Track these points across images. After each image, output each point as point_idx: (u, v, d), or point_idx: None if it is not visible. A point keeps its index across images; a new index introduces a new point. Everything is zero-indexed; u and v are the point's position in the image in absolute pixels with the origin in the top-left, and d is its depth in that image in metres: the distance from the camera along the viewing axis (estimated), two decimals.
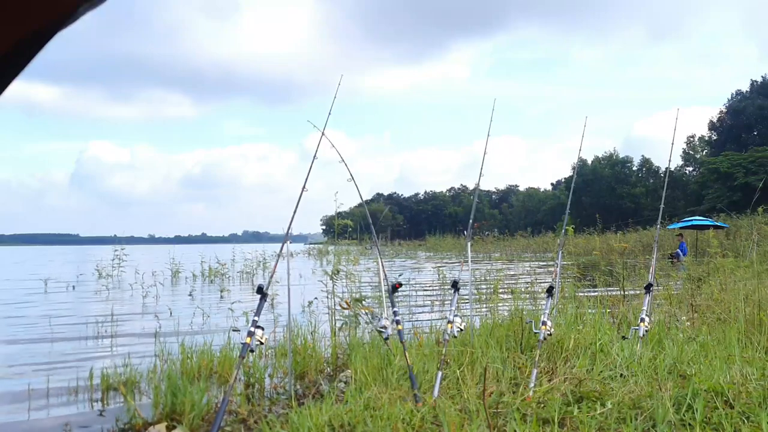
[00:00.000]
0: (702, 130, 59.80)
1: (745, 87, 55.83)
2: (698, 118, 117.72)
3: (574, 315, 5.34)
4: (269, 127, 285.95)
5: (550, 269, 16.01)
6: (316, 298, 7.33)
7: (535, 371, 3.71)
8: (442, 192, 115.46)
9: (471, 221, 5.11)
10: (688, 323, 5.81)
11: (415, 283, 11.38)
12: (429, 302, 9.81)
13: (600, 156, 61.48)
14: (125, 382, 4.51)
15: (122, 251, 14.99)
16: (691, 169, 57.70)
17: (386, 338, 3.97)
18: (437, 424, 2.95)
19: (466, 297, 6.75)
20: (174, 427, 3.54)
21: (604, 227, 31.37)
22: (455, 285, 4.22)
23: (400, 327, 3.90)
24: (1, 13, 0.50)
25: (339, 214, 6.39)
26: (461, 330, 4.01)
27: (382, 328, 3.97)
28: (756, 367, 3.73)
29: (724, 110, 54.19)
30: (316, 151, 4.29)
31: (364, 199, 4.96)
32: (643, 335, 4.49)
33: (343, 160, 4.41)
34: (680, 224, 21.02)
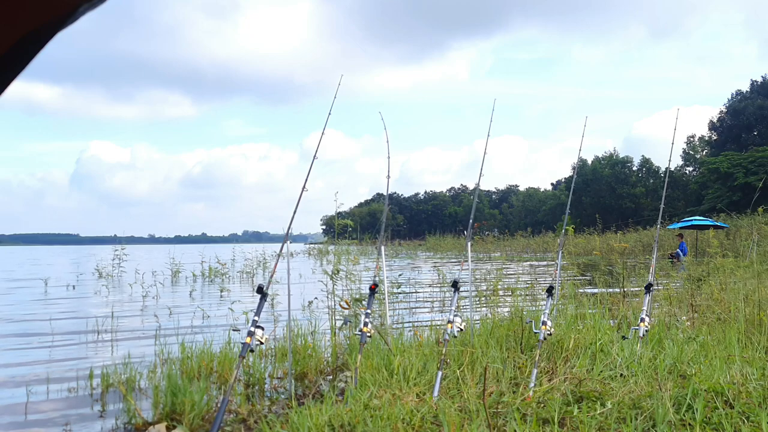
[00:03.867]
0: (702, 130, 59.75)
1: (745, 87, 55.83)
2: (698, 118, 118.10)
3: (574, 315, 5.33)
4: (269, 126, 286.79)
5: (550, 269, 16.01)
6: (316, 298, 7.33)
7: (535, 371, 3.71)
8: (442, 192, 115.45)
9: (471, 221, 5.11)
10: (688, 323, 5.81)
11: (415, 283, 11.39)
12: (429, 302, 9.81)
13: (600, 156, 61.44)
14: (125, 381, 4.51)
15: (122, 251, 14.99)
16: (691, 169, 57.63)
17: (363, 342, 3.98)
18: (437, 424, 2.95)
19: (466, 297, 6.75)
20: (174, 427, 3.54)
21: (604, 227, 31.38)
22: (455, 285, 4.22)
23: (365, 329, 3.93)
24: (1, 13, 0.50)
25: (339, 214, 6.39)
26: (461, 330, 4.01)
27: (358, 332, 4.03)
28: (756, 367, 3.73)
29: (724, 110, 54.12)
30: (317, 151, 4.29)
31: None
32: (643, 335, 4.49)
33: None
34: (680, 224, 21.00)
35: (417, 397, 3.45)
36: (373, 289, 4.25)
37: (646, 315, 4.60)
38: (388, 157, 4.93)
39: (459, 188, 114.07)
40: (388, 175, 4.91)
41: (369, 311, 4.12)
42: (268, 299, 3.73)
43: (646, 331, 4.54)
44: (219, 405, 3.41)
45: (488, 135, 5.24)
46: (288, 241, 4.06)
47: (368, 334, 3.99)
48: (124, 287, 13.93)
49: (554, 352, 4.33)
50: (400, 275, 8.74)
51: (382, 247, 4.87)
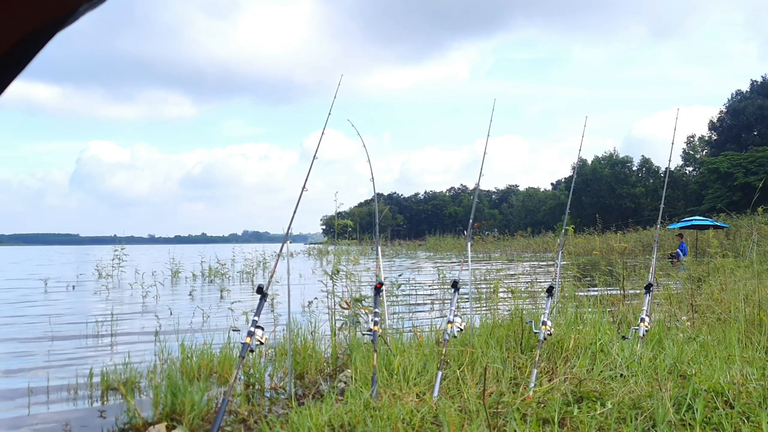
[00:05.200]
0: (702, 130, 59.74)
1: (745, 87, 55.80)
2: (698, 118, 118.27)
3: (574, 315, 5.34)
4: (270, 126, 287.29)
5: (550, 269, 16.01)
6: (316, 298, 7.33)
7: (535, 371, 3.71)
8: (442, 192, 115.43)
9: (471, 221, 5.12)
10: (688, 323, 5.81)
11: (415, 283, 11.39)
12: (429, 302, 9.80)
13: (600, 156, 61.42)
14: (125, 381, 4.50)
15: (122, 251, 14.98)
16: (691, 169, 57.61)
17: (375, 341, 3.97)
18: (437, 424, 2.95)
19: (466, 297, 6.75)
20: (174, 427, 3.54)
21: (604, 227, 31.40)
22: (455, 285, 4.22)
23: (376, 328, 3.92)
24: (1, 13, 0.50)
25: (339, 214, 6.39)
26: (461, 330, 4.01)
27: (368, 331, 4.02)
28: (756, 367, 3.73)
29: (724, 110, 54.10)
30: (316, 151, 4.30)
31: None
32: (643, 335, 4.49)
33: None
34: (680, 224, 21.01)
35: (417, 397, 3.45)
36: (379, 288, 4.23)
37: (646, 315, 4.60)
38: (368, 161, 5.09)
39: (459, 188, 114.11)
40: (372, 178, 5.07)
41: (377, 310, 4.09)
42: (268, 299, 3.73)
43: (646, 331, 4.54)
44: (219, 405, 3.41)
45: (488, 135, 5.25)
46: (288, 241, 4.06)
47: (379, 333, 3.97)
48: (124, 287, 13.93)
49: (554, 352, 4.33)
50: (400, 275, 8.73)
51: (379, 248, 4.89)
